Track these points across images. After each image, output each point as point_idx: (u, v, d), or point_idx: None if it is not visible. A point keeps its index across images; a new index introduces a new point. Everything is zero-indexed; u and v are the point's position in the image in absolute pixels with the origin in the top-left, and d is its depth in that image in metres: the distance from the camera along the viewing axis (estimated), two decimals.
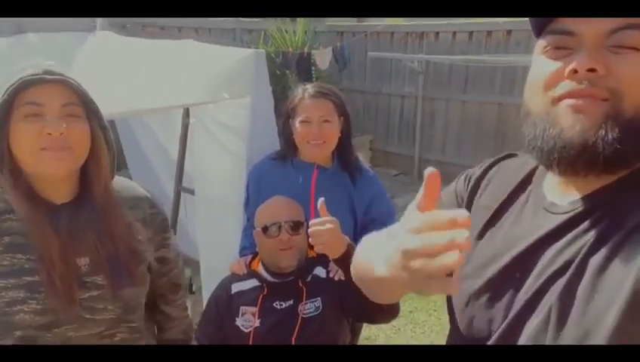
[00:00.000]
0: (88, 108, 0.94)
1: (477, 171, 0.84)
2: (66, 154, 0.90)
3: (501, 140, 5.32)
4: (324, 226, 1.21)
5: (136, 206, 1.07)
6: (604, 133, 0.57)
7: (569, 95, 0.60)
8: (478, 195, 0.80)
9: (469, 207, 0.80)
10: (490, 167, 0.83)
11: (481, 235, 0.74)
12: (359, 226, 1.70)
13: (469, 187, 0.82)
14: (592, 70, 0.58)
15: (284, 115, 1.66)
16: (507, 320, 0.64)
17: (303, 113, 1.59)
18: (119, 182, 1.07)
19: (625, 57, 0.57)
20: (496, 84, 5.24)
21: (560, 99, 0.60)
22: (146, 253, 1.07)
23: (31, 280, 0.89)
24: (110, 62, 1.31)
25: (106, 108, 1.24)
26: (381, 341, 2.82)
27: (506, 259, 0.67)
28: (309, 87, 1.62)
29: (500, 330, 0.64)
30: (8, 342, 0.88)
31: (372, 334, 2.84)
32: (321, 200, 1.23)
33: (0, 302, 0.87)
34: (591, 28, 0.59)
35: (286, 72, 4.78)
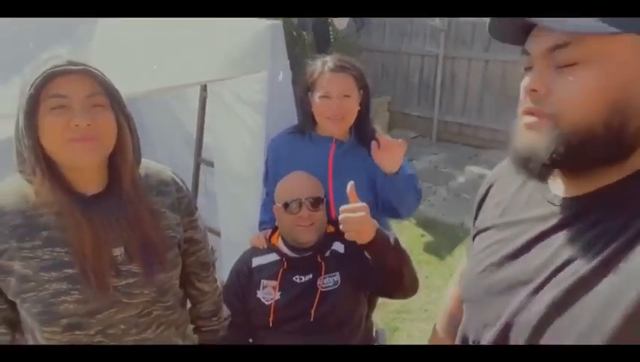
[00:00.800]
0: (112, 98, 0.94)
1: (493, 171, 0.88)
2: (94, 145, 0.91)
3: None
4: (355, 214, 1.20)
5: (165, 191, 1.09)
6: (551, 147, 0.61)
7: (523, 112, 0.66)
8: (490, 193, 0.85)
9: (481, 204, 0.86)
10: (504, 166, 0.86)
11: (492, 227, 0.78)
12: (380, 199, 1.70)
13: (486, 187, 0.87)
14: (534, 90, 0.62)
15: (302, 88, 1.63)
16: (509, 310, 0.66)
17: (322, 88, 1.56)
18: (146, 166, 1.07)
19: (565, 75, 0.60)
20: None
21: (521, 115, 0.66)
22: (176, 238, 1.09)
23: (71, 272, 0.93)
24: (125, 42, 1.29)
25: (126, 89, 1.24)
26: (397, 306, 2.89)
27: (511, 247, 0.70)
28: (329, 61, 1.58)
29: (502, 319, 0.66)
30: (56, 329, 0.92)
31: (387, 300, 2.90)
32: (350, 183, 1.21)
33: (45, 293, 0.91)
34: (537, 47, 0.63)
35: (302, 33, 4.66)
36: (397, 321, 2.77)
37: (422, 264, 3.33)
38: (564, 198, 0.66)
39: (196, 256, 1.21)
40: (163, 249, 1.04)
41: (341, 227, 1.22)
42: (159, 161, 1.15)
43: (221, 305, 1.38)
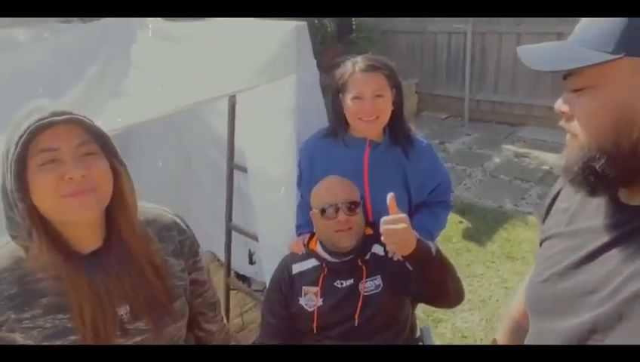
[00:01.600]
0: (102, 144, 0.88)
1: (558, 182, 0.88)
2: (91, 197, 0.84)
3: (560, 77, 4.92)
4: (397, 225, 1.17)
5: (166, 237, 1.02)
6: (579, 163, 0.66)
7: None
8: (560, 197, 0.85)
9: (549, 209, 0.86)
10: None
11: (557, 235, 0.77)
12: (414, 198, 1.66)
13: (555, 191, 0.87)
14: (562, 111, 0.70)
15: (333, 90, 1.60)
16: (574, 321, 0.66)
17: (354, 89, 1.52)
18: (144, 212, 1.00)
19: (576, 99, 0.67)
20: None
21: None
22: (182, 285, 1.03)
23: (76, 339, 0.88)
24: (153, 62, 1.29)
25: (157, 108, 1.24)
26: None
27: (577, 256, 0.70)
28: (360, 61, 1.53)
29: (568, 331, 0.66)
30: None
31: None
32: (390, 195, 1.19)
33: None
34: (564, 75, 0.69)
35: (324, 21, 4.59)
36: (439, 313, 2.73)
37: (461, 251, 3.27)
38: (632, 207, 0.66)
39: (203, 298, 1.14)
40: (170, 300, 0.98)
41: (382, 239, 1.20)
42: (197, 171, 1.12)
43: (229, 341, 1.32)
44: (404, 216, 1.19)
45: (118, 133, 1.18)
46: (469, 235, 3.45)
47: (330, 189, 1.52)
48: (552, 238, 0.78)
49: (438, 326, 2.66)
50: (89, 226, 0.89)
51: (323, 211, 1.49)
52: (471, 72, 5.53)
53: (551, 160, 4.39)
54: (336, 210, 1.47)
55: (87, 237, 0.90)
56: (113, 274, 0.89)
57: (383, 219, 1.18)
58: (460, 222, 3.62)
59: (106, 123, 0.92)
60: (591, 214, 0.72)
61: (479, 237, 3.43)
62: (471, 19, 5.26)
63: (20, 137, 0.80)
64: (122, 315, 0.92)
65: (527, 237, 3.34)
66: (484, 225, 3.56)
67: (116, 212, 0.91)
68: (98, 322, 0.87)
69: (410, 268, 1.35)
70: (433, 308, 2.77)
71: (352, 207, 1.48)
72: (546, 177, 4.17)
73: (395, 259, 1.48)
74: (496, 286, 2.93)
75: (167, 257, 1.00)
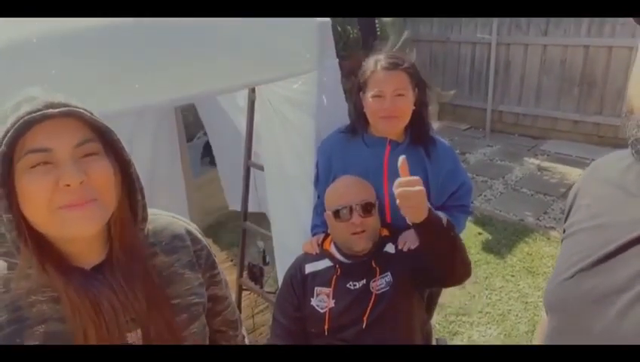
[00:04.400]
0: (106, 141, 0.73)
1: (585, 171, 0.84)
2: (93, 208, 0.69)
3: (587, 89, 4.82)
4: (412, 188, 1.11)
5: (180, 248, 0.88)
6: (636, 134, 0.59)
7: None
8: (580, 193, 0.81)
9: (571, 207, 0.81)
10: (596, 165, 0.83)
11: (581, 231, 0.74)
12: (434, 203, 1.61)
13: (576, 189, 0.83)
14: None
15: (355, 88, 1.57)
16: (601, 321, 0.62)
17: (375, 87, 1.48)
18: (151, 219, 0.84)
19: None
20: (582, 24, 4.67)
21: None
22: (202, 304, 0.89)
23: None
24: (173, 45, 1.28)
25: (175, 93, 1.22)
26: (455, 309, 2.77)
27: (603, 252, 0.66)
28: (382, 58, 1.50)
29: (594, 331, 0.63)
30: None
31: (446, 301, 2.79)
32: (401, 157, 1.13)
33: None
34: None
35: (347, 27, 4.58)
36: (456, 325, 2.65)
37: (480, 264, 3.18)
38: None
39: (222, 316, 0.99)
40: (191, 321, 0.84)
41: (397, 202, 1.14)
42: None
43: None
44: (418, 178, 1.13)
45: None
46: (488, 247, 3.36)
47: (345, 190, 1.48)
48: (575, 234, 0.74)
49: (454, 338, 2.58)
50: (89, 239, 0.75)
51: (337, 213, 1.45)
52: (494, 82, 5.45)
53: (574, 175, 4.27)
54: (351, 212, 1.43)
55: (87, 249, 0.76)
56: (120, 293, 0.74)
57: (398, 180, 1.13)
58: (480, 233, 3.53)
59: (124, 101, 0.87)
60: (617, 208, 0.68)
61: (499, 249, 3.33)
62: (496, 29, 5.19)
63: (6, 133, 0.65)
64: (133, 343, 0.77)
65: (548, 253, 3.23)
66: (505, 238, 3.46)
67: (121, 220, 0.76)
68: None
69: (420, 239, 1.30)
70: (450, 320, 2.70)
71: (366, 208, 1.45)
72: (569, 192, 4.05)
73: (405, 249, 1.45)
74: (516, 301, 2.83)
75: (182, 270, 0.86)
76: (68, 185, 0.67)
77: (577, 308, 0.66)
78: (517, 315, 2.71)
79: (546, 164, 4.68)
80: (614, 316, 0.59)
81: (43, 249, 0.71)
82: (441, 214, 1.28)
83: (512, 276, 3.05)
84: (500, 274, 3.07)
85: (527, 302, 2.80)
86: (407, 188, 1.11)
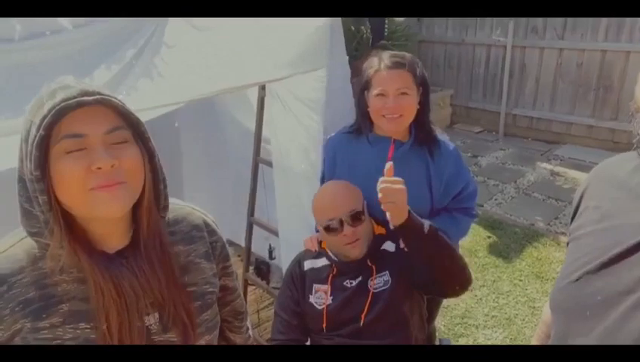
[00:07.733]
0: (135, 130, 0.78)
1: (589, 174, 0.84)
2: (122, 190, 0.74)
3: (603, 93, 4.75)
4: (394, 185, 1.20)
5: (198, 238, 0.92)
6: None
7: None
8: (586, 195, 0.81)
9: (577, 209, 0.82)
10: (602, 167, 0.83)
11: (588, 234, 0.74)
12: (436, 203, 1.61)
13: (581, 191, 0.83)
14: None
15: (359, 87, 1.58)
16: (606, 324, 0.62)
17: (378, 86, 1.49)
18: (171, 209, 0.88)
19: None
20: (599, 28, 4.60)
21: None
22: (215, 293, 0.93)
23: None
24: (184, 46, 1.31)
25: (186, 93, 1.25)
26: (460, 310, 2.76)
27: (609, 255, 0.66)
28: (386, 57, 1.50)
29: (598, 333, 0.63)
30: None
31: (452, 303, 2.78)
32: (388, 163, 1.22)
33: None
34: None
35: (361, 27, 4.58)
36: (461, 327, 2.64)
37: (488, 267, 3.16)
38: None
39: (231, 306, 1.04)
40: (204, 309, 0.88)
41: (379, 196, 1.20)
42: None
43: None
44: (401, 179, 1.22)
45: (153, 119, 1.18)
46: (497, 251, 3.34)
47: (330, 202, 1.46)
48: (582, 237, 0.74)
49: (459, 341, 2.57)
50: (115, 222, 0.79)
51: (327, 227, 1.44)
52: (509, 85, 5.40)
53: None
54: (340, 223, 1.42)
55: (112, 234, 0.80)
56: (142, 276, 0.78)
57: (381, 178, 1.21)
58: (489, 236, 3.51)
59: (138, 102, 0.89)
60: (623, 211, 0.68)
61: (507, 253, 3.30)
62: (511, 31, 5.14)
63: (43, 119, 0.69)
64: (150, 325, 0.81)
65: (558, 258, 3.20)
66: (514, 242, 3.43)
67: (146, 207, 0.79)
68: (124, 333, 0.77)
69: (404, 243, 1.34)
70: (456, 322, 2.69)
71: (356, 216, 1.43)
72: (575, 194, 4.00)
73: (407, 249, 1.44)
74: (523, 306, 2.81)
75: (198, 260, 0.90)
76: (99, 169, 0.71)
77: (582, 310, 0.67)
78: (523, 319, 2.69)
79: (559, 169, 4.62)
80: (618, 318, 0.60)
81: (73, 231, 0.75)
82: (425, 221, 1.28)
83: (520, 280, 3.02)
84: (508, 278, 3.04)
85: (534, 307, 2.78)
86: (389, 185, 1.19)
